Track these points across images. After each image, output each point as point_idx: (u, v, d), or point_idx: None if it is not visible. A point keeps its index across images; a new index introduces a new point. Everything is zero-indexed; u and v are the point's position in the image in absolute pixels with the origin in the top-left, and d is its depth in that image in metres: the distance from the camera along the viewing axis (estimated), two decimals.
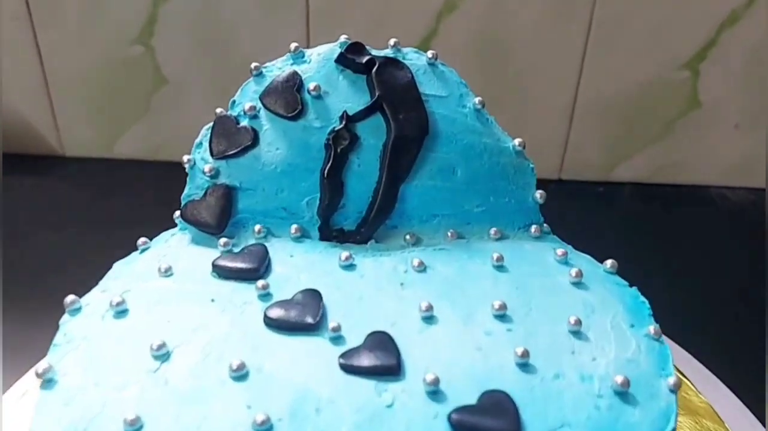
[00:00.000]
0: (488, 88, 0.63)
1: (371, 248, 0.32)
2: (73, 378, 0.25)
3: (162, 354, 0.26)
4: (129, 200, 0.62)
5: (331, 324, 0.26)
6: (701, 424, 0.35)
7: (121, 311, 0.28)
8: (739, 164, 0.68)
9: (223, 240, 0.31)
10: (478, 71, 0.63)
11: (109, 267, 0.31)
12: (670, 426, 0.24)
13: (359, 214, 0.32)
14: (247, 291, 0.29)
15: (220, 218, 0.32)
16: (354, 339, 0.26)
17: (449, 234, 0.33)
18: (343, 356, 0.25)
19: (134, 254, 0.32)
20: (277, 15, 0.61)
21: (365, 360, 0.25)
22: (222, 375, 0.25)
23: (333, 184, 0.32)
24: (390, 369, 0.25)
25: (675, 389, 0.26)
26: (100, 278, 0.30)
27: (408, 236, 0.32)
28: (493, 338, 0.27)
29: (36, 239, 0.57)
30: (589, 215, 0.64)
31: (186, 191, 0.33)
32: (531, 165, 0.34)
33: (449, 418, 0.23)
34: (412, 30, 0.61)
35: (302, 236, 0.32)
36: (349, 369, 0.25)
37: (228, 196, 0.32)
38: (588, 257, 0.32)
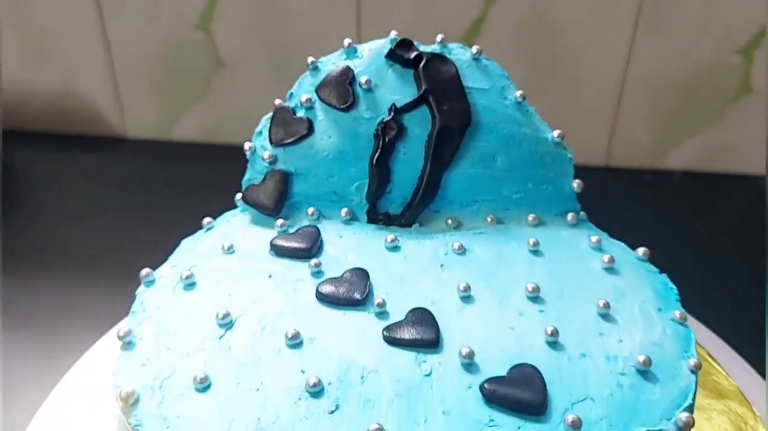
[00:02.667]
0: (536, 72, 0.65)
1: (415, 231, 0.35)
2: (149, 343, 0.29)
3: (226, 323, 0.29)
4: (187, 181, 0.67)
5: (377, 300, 0.29)
6: (729, 407, 0.37)
7: (189, 284, 0.31)
8: None
9: (279, 221, 0.34)
10: (526, 55, 0.64)
11: (172, 244, 0.35)
12: (687, 402, 0.26)
13: (404, 199, 0.35)
14: (301, 269, 0.32)
15: (277, 200, 0.35)
16: (397, 314, 0.29)
17: (489, 219, 0.35)
18: (386, 329, 0.28)
19: (200, 232, 0.35)
20: (330, 1, 0.64)
21: (406, 334, 0.28)
22: (278, 343, 0.28)
23: (381, 171, 0.35)
24: (429, 343, 0.28)
25: (695, 369, 0.28)
26: (165, 254, 0.34)
27: (449, 221, 0.35)
28: (525, 318, 0.29)
29: (103, 217, 0.61)
30: (636, 202, 0.65)
31: (246, 175, 0.36)
32: (569, 155, 0.36)
33: (481, 388, 0.26)
34: (462, 16, 0.63)
35: (351, 218, 0.35)
36: (391, 341, 0.28)
37: (284, 180, 0.35)
38: (622, 244, 0.35)
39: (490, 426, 0.25)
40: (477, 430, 0.25)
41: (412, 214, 0.35)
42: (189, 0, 0.66)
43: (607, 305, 0.30)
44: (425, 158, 0.35)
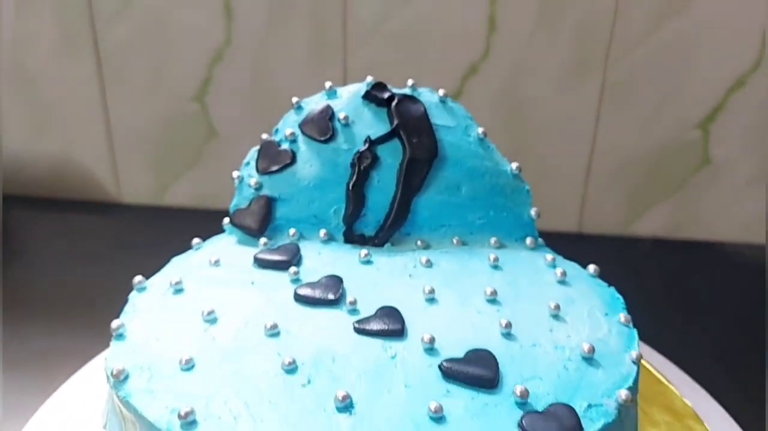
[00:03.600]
0: (511, 144, 0.71)
1: (387, 250, 0.38)
2: (139, 334, 0.32)
3: (210, 319, 0.32)
4: (178, 243, 0.70)
5: (349, 299, 0.33)
6: (684, 423, 0.40)
7: (178, 290, 0.35)
8: (753, 222, 0.73)
9: (263, 240, 0.38)
10: (500, 126, 0.70)
11: None
12: (628, 384, 0.29)
13: (378, 222, 0.39)
14: (281, 277, 0.35)
15: (261, 223, 0.39)
16: (367, 311, 0.33)
17: (454, 241, 0.39)
18: (357, 322, 0.32)
19: (189, 251, 0.39)
20: (323, 76, 0.70)
21: (375, 325, 0.31)
22: (259, 334, 0.31)
23: (357, 196, 0.39)
24: (395, 332, 0.31)
25: (637, 360, 0.31)
26: None
27: (419, 242, 0.39)
28: (483, 315, 0.33)
29: (94, 271, 0.64)
30: (608, 267, 0.69)
31: (234, 201, 0.40)
32: (527, 187, 0.40)
33: (440, 366, 0.29)
34: (440, 86, 0.69)
35: (329, 239, 0.39)
36: (361, 332, 0.31)
37: (269, 205, 0.39)
38: (574, 263, 0.38)
39: (447, 397, 0.28)
40: (435, 399, 0.27)
41: (385, 235, 0.39)
42: (188, 73, 0.72)
43: (557, 307, 0.33)
44: (396, 185, 0.39)
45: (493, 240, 0.39)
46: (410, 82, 0.41)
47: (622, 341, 0.32)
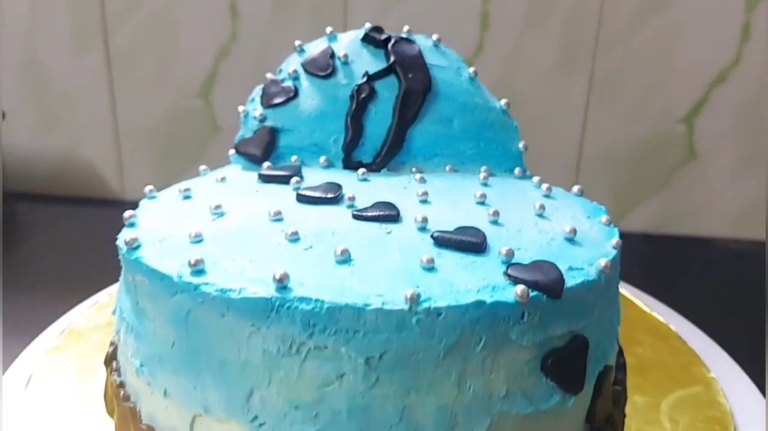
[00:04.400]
0: None
1: (383, 174, 0.41)
2: (151, 223, 0.34)
3: (218, 212, 0.35)
4: None
5: (348, 196, 0.35)
6: (668, 343, 0.42)
7: (186, 196, 0.37)
8: (737, 216, 0.76)
9: (266, 164, 0.41)
10: None
11: None
12: (607, 259, 0.32)
13: (375, 150, 0.42)
14: (284, 188, 0.38)
15: (265, 150, 0.42)
16: (364, 204, 0.35)
17: (447, 169, 0.42)
18: (355, 211, 0.34)
19: (197, 177, 0.42)
20: None
21: (372, 212, 0.34)
22: (264, 220, 0.34)
23: (355, 126, 0.42)
24: (391, 217, 0.34)
25: (617, 247, 0.34)
26: None
27: (413, 169, 0.42)
28: (472, 211, 0.35)
29: (93, 258, 0.66)
30: None
31: (240, 133, 0.43)
32: (515, 124, 0.43)
33: (432, 235, 0.31)
34: None
35: (329, 165, 0.42)
36: (359, 218, 0.34)
37: (272, 134, 0.42)
38: (560, 188, 0.41)
39: (438, 257, 0.30)
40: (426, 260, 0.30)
41: (382, 161, 0.42)
42: (194, 68, 0.76)
43: (542, 208, 0.36)
44: (393, 116, 0.42)
45: (483, 169, 0.42)
46: (406, 28, 0.44)
47: (603, 234, 0.35)
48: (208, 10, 0.74)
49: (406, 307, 0.26)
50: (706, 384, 0.41)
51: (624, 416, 0.35)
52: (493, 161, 0.43)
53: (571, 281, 0.29)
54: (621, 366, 0.37)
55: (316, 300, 0.27)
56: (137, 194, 0.80)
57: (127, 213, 0.35)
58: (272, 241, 0.31)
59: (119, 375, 0.35)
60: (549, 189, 0.39)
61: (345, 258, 0.29)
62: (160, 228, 0.33)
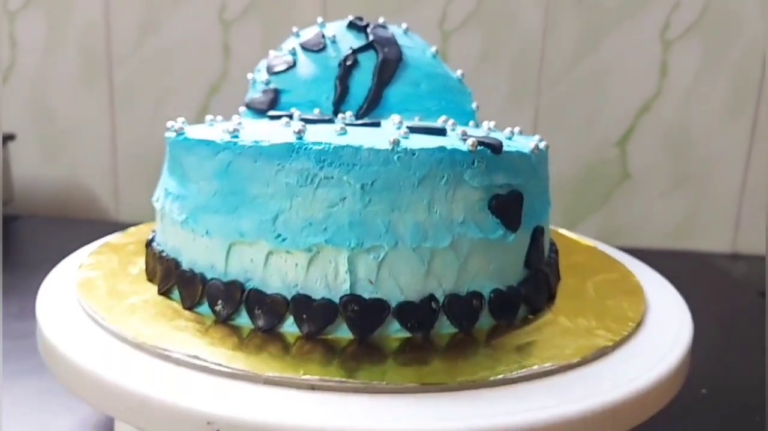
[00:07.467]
0: None
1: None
2: (190, 130, 0.46)
3: (233, 132, 0.46)
4: None
5: (341, 117, 0.48)
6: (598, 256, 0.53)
7: (211, 125, 0.49)
8: (670, 229, 0.90)
9: (272, 112, 0.53)
10: None
11: None
12: (536, 143, 0.44)
13: (358, 105, 0.54)
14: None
15: (270, 104, 0.54)
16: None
17: (416, 119, 0.54)
18: (346, 124, 0.46)
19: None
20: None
21: (359, 122, 0.46)
22: (277, 126, 0.45)
23: (343, 86, 0.54)
24: (374, 124, 0.46)
25: (545, 146, 0.46)
26: None
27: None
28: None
29: None
30: None
31: (248, 94, 0.55)
32: (469, 90, 0.57)
33: (407, 127, 0.43)
34: None
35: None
36: (348, 125, 0.46)
37: (276, 94, 0.55)
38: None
39: (412, 135, 0.42)
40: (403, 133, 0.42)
41: (363, 114, 0.54)
42: (188, 102, 0.89)
43: (490, 129, 0.48)
44: (372, 79, 0.55)
45: (444, 118, 0.54)
46: (381, 19, 0.58)
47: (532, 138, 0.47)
48: (203, 49, 0.88)
49: (390, 147, 0.38)
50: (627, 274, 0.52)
51: (558, 278, 0.47)
52: (453, 116, 0.55)
53: (508, 148, 0.41)
54: (554, 249, 0.48)
55: (326, 143, 0.38)
56: (130, 216, 0.91)
57: (174, 124, 0.46)
58: (286, 131, 0.43)
59: (159, 245, 0.45)
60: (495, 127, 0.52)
61: (343, 132, 0.41)
62: (198, 131, 0.45)
